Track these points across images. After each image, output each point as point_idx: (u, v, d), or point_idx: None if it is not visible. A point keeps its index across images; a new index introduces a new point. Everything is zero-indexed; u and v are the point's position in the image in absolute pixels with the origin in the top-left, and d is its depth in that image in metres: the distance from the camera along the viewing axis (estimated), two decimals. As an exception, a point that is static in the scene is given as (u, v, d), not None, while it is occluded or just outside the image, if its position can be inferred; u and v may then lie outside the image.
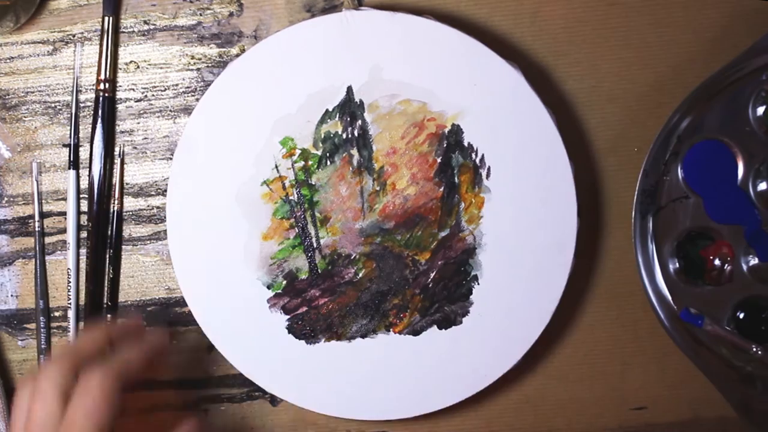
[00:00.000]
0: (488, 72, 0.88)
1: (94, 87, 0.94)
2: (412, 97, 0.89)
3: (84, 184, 0.95)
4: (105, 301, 0.95)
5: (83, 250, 0.95)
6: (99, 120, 0.93)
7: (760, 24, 0.94)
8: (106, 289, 0.95)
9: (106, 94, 0.94)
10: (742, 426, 0.90)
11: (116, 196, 0.95)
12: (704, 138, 0.91)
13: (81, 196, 0.95)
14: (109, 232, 0.95)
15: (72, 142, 0.94)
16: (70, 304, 0.94)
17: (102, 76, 0.93)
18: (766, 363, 0.90)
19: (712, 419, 0.97)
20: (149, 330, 0.90)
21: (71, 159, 0.94)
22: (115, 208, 0.95)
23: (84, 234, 0.95)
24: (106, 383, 0.76)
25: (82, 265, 0.95)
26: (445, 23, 0.89)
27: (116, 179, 0.95)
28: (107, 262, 0.95)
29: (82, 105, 0.94)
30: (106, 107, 0.94)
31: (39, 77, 0.95)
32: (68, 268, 0.94)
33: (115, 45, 0.94)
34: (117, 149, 0.95)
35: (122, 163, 0.95)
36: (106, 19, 0.93)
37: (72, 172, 0.94)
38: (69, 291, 0.94)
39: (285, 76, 0.89)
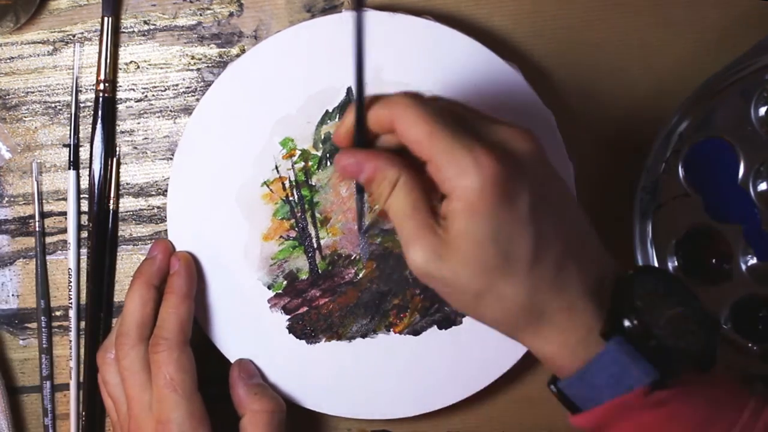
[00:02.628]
0: (488, 73, 0.88)
1: (94, 87, 0.94)
2: (412, 97, 0.89)
3: (84, 184, 0.95)
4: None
5: (84, 250, 0.95)
6: (99, 120, 0.93)
7: (761, 24, 0.94)
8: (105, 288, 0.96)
9: (106, 95, 0.93)
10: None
11: (112, 195, 0.94)
12: (706, 137, 0.91)
13: (82, 196, 0.95)
14: (109, 232, 0.95)
15: (72, 142, 0.94)
16: (71, 303, 0.94)
17: (102, 77, 0.93)
18: (764, 362, 0.90)
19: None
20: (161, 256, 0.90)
21: (71, 159, 0.94)
22: (112, 208, 0.95)
23: (84, 234, 0.95)
24: (174, 354, 0.85)
25: (83, 264, 0.95)
26: (445, 24, 0.89)
27: (112, 179, 0.95)
28: (106, 262, 0.95)
29: (82, 105, 0.94)
30: (106, 107, 0.94)
31: (39, 77, 0.95)
32: (69, 268, 0.94)
33: (115, 45, 0.94)
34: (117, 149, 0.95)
35: (119, 163, 0.95)
36: (106, 19, 0.93)
37: (72, 172, 0.94)
38: (70, 291, 0.94)
39: (285, 77, 0.89)
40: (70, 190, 0.94)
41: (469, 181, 0.65)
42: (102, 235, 0.95)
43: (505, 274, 0.68)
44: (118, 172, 0.95)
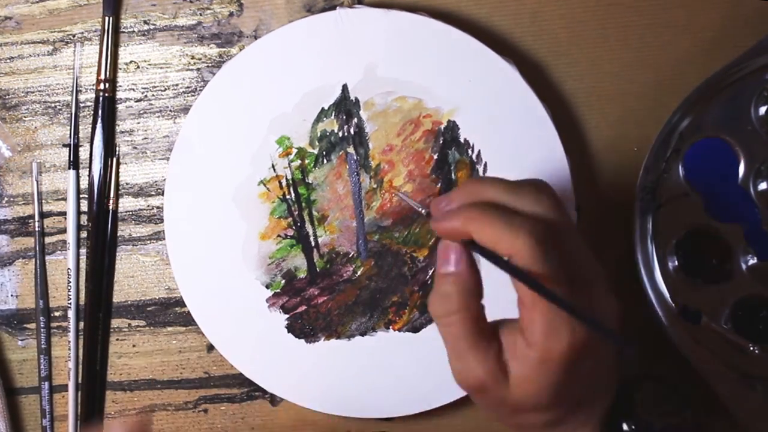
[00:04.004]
0: (483, 67, 0.88)
1: (94, 87, 0.94)
2: (407, 94, 0.89)
3: (84, 183, 0.95)
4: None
5: (83, 250, 0.95)
6: (99, 120, 0.94)
7: (760, 24, 0.94)
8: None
9: (107, 94, 0.94)
10: (740, 426, 0.90)
11: (111, 195, 0.95)
12: (706, 136, 0.91)
13: (81, 195, 0.95)
14: (108, 232, 0.95)
15: (72, 142, 0.94)
16: (70, 303, 0.94)
17: (102, 76, 0.93)
18: (764, 363, 0.89)
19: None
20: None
21: (71, 159, 0.94)
22: (111, 208, 0.95)
23: (84, 234, 0.95)
24: None
25: (82, 264, 0.95)
26: (441, 20, 0.89)
27: (112, 179, 0.95)
28: (106, 262, 0.95)
29: (81, 105, 0.95)
30: (106, 107, 0.94)
31: (39, 77, 0.95)
32: (68, 268, 0.94)
33: (115, 45, 0.94)
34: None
35: (118, 163, 0.95)
36: (107, 19, 0.93)
37: (72, 172, 0.94)
38: (69, 291, 0.94)
39: (280, 75, 0.89)
40: (70, 190, 0.94)
41: (558, 342, 0.67)
42: (101, 236, 0.95)
43: (548, 409, 0.72)
44: (117, 172, 0.95)
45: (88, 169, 0.94)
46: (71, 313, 0.95)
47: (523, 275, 0.65)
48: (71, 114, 0.95)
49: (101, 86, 0.94)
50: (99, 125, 0.94)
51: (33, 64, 0.95)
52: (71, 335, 0.95)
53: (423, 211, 0.74)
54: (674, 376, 0.89)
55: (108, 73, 0.94)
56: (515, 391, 0.70)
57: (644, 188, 0.91)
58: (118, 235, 0.96)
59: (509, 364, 0.70)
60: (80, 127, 0.95)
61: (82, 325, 0.95)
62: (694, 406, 0.77)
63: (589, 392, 0.73)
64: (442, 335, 0.72)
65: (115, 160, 0.95)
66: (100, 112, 0.94)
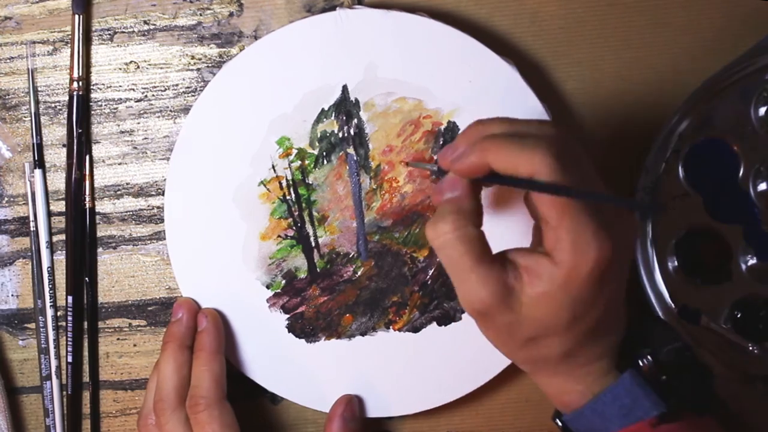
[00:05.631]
0: (483, 68, 0.88)
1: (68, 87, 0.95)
2: (407, 94, 0.89)
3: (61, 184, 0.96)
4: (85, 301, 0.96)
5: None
6: (74, 119, 0.93)
7: (760, 24, 0.94)
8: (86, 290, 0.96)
9: (80, 93, 0.94)
10: (740, 426, 0.90)
11: (87, 194, 0.95)
12: (706, 136, 0.91)
13: (60, 196, 0.95)
14: (87, 232, 0.95)
15: (34, 142, 0.94)
16: (51, 304, 0.95)
17: (75, 75, 0.93)
18: (764, 362, 0.89)
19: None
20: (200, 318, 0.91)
21: (35, 158, 0.95)
22: (88, 206, 0.95)
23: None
24: (214, 411, 0.86)
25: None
26: (441, 20, 0.89)
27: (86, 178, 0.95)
28: (87, 260, 0.96)
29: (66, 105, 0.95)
30: (80, 106, 0.94)
31: (39, 77, 0.95)
32: (48, 267, 0.95)
33: (87, 43, 0.95)
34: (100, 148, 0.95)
35: (91, 161, 0.95)
36: (76, 17, 0.93)
37: (38, 171, 0.95)
38: (50, 290, 0.95)
39: (280, 75, 0.89)
40: (38, 190, 0.95)
41: (585, 259, 0.69)
42: (80, 235, 0.95)
43: (561, 333, 0.73)
44: (92, 170, 0.95)
45: (66, 169, 0.95)
46: (49, 313, 0.95)
47: (551, 186, 0.67)
48: (30, 113, 0.95)
49: (74, 85, 0.93)
50: (74, 124, 0.94)
51: (33, 64, 0.95)
52: (49, 336, 0.95)
53: (434, 168, 0.74)
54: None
55: (81, 71, 0.94)
56: (530, 313, 0.71)
57: (644, 189, 0.91)
58: (118, 235, 0.96)
59: (524, 285, 0.71)
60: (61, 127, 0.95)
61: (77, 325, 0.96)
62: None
63: (606, 319, 0.74)
64: (443, 262, 0.73)
65: (88, 158, 0.95)
66: (74, 111, 0.94)
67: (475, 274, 0.71)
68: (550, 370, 0.78)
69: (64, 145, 0.95)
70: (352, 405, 0.92)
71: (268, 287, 0.92)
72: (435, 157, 0.89)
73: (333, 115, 0.89)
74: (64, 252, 0.95)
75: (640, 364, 0.77)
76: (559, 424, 0.80)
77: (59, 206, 0.95)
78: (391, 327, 0.92)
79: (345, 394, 0.92)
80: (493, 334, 0.76)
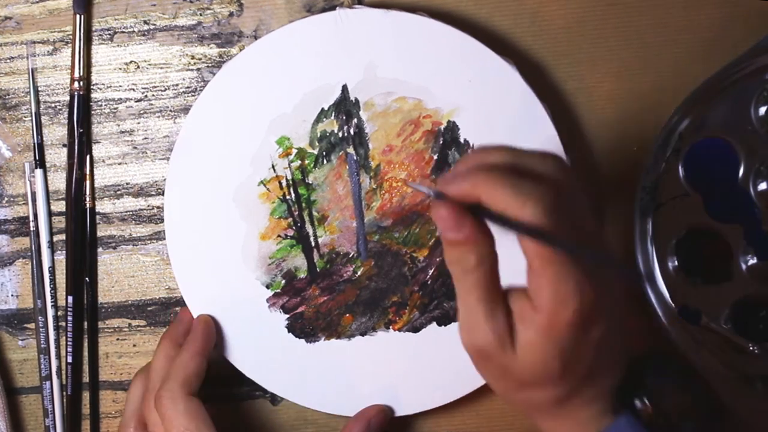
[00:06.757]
0: (483, 68, 0.88)
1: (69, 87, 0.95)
2: (407, 94, 0.89)
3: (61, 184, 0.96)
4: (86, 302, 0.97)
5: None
6: (75, 119, 0.93)
7: (760, 24, 0.94)
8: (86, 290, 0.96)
9: (81, 92, 0.94)
10: (740, 426, 0.90)
11: (88, 194, 0.95)
12: (706, 136, 0.90)
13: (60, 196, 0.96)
14: (87, 232, 0.96)
15: (35, 141, 0.95)
16: (52, 303, 0.95)
17: (76, 75, 0.93)
18: (764, 362, 0.89)
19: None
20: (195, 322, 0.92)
21: (36, 158, 0.95)
22: (88, 206, 0.95)
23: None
24: (179, 405, 0.85)
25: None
26: (441, 20, 0.89)
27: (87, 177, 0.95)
28: (87, 260, 0.96)
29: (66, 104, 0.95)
30: (81, 106, 0.94)
31: (39, 77, 0.95)
32: (49, 267, 0.95)
33: (88, 43, 0.95)
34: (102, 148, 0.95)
35: (91, 161, 0.95)
36: (77, 17, 0.93)
37: (39, 171, 0.95)
38: (52, 290, 0.95)
39: (280, 75, 0.89)
40: (39, 189, 0.95)
41: (565, 307, 0.68)
42: (80, 235, 0.95)
43: (556, 380, 0.72)
44: (92, 171, 0.95)
45: (67, 169, 0.95)
46: (49, 313, 0.95)
47: (534, 231, 0.66)
48: (31, 113, 0.95)
49: (75, 85, 0.93)
50: (75, 124, 0.94)
51: (33, 64, 0.95)
52: (50, 335, 0.95)
53: (432, 192, 0.72)
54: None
55: (81, 71, 0.94)
56: (523, 359, 0.71)
57: (644, 188, 0.91)
58: (118, 235, 0.96)
59: (517, 330, 0.70)
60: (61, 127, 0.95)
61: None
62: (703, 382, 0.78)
63: (598, 364, 0.73)
64: (457, 290, 0.72)
65: (88, 158, 0.95)
66: (75, 110, 0.94)
67: (483, 312, 0.71)
68: (546, 414, 0.77)
69: (64, 145, 0.95)
70: (384, 416, 0.92)
71: (267, 287, 0.92)
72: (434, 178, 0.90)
73: (333, 114, 0.89)
74: (64, 252, 0.95)
75: (638, 406, 0.76)
76: None
77: (59, 206, 0.95)
78: (391, 327, 0.92)
79: (380, 404, 0.93)
80: (488, 374, 0.76)
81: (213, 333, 0.91)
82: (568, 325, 0.68)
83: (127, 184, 0.95)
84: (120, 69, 0.95)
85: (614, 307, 0.74)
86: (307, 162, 0.90)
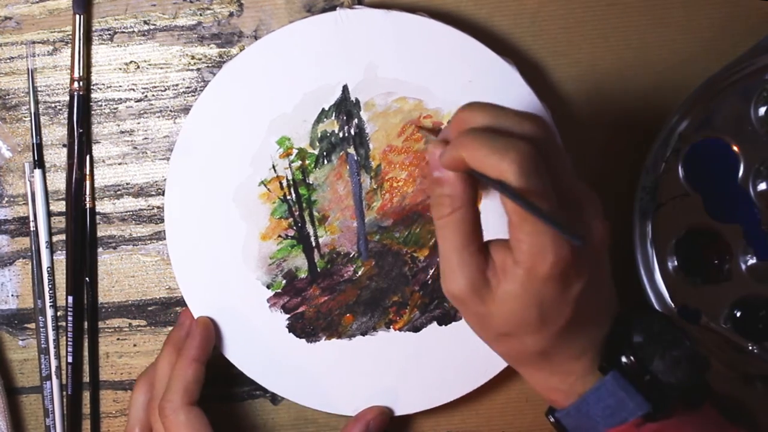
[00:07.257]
0: (483, 68, 0.88)
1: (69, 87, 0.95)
2: (407, 94, 0.89)
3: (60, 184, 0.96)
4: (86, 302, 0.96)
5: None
6: (74, 119, 0.93)
7: (760, 24, 0.94)
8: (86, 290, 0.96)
9: (81, 93, 0.94)
10: (740, 426, 0.90)
11: (87, 194, 0.95)
12: (706, 136, 0.91)
13: (60, 196, 0.96)
14: (87, 232, 0.95)
15: (34, 142, 0.94)
16: (51, 303, 0.95)
17: (75, 75, 0.93)
18: (763, 362, 0.90)
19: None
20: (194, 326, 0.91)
21: (35, 158, 0.95)
22: (88, 206, 0.95)
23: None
24: (180, 416, 0.86)
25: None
26: (441, 20, 0.89)
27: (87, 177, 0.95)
28: (87, 260, 0.96)
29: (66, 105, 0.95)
30: (81, 106, 0.94)
31: (39, 77, 0.95)
32: (48, 267, 0.95)
33: (88, 43, 0.95)
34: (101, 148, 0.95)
35: (91, 161, 0.95)
36: (77, 17, 0.93)
37: (38, 171, 0.94)
38: (50, 290, 0.95)
39: (280, 75, 0.89)
40: (38, 190, 0.94)
41: (543, 260, 0.70)
42: (80, 235, 0.95)
43: (535, 332, 0.74)
44: (92, 171, 0.95)
45: (67, 169, 0.95)
46: (49, 313, 0.95)
47: (509, 190, 0.67)
48: (30, 113, 0.95)
49: (75, 85, 0.93)
50: (75, 124, 0.94)
51: (33, 64, 0.95)
52: (50, 335, 0.95)
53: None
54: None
55: (81, 71, 0.94)
56: (501, 308, 0.73)
57: (644, 189, 0.91)
58: (119, 235, 0.96)
59: (498, 280, 0.72)
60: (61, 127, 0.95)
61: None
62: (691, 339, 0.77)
63: (581, 318, 0.74)
64: (437, 239, 0.75)
65: (88, 158, 0.95)
66: (75, 110, 0.94)
67: (457, 259, 0.73)
68: (530, 365, 0.79)
69: (64, 145, 0.95)
70: (384, 418, 0.93)
71: (268, 287, 0.92)
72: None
73: (333, 115, 0.89)
74: (64, 252, 0.95)
75: (624, 362, 0.76)
76: (552, 420, 0.80)
77: (59, 206, 0.95)
78: (391, 327, 0.92)
79: (380, 406, 0.93)
80: (469, 321, 0.77)
81: (212, 336, 0.91)
82: (546, 278, 0.70)
83: (127, 184, 0.95)
84: (120, 69, 0.95)
85: (598, 262, 0.76)
86: (307, 162, 0.90)
